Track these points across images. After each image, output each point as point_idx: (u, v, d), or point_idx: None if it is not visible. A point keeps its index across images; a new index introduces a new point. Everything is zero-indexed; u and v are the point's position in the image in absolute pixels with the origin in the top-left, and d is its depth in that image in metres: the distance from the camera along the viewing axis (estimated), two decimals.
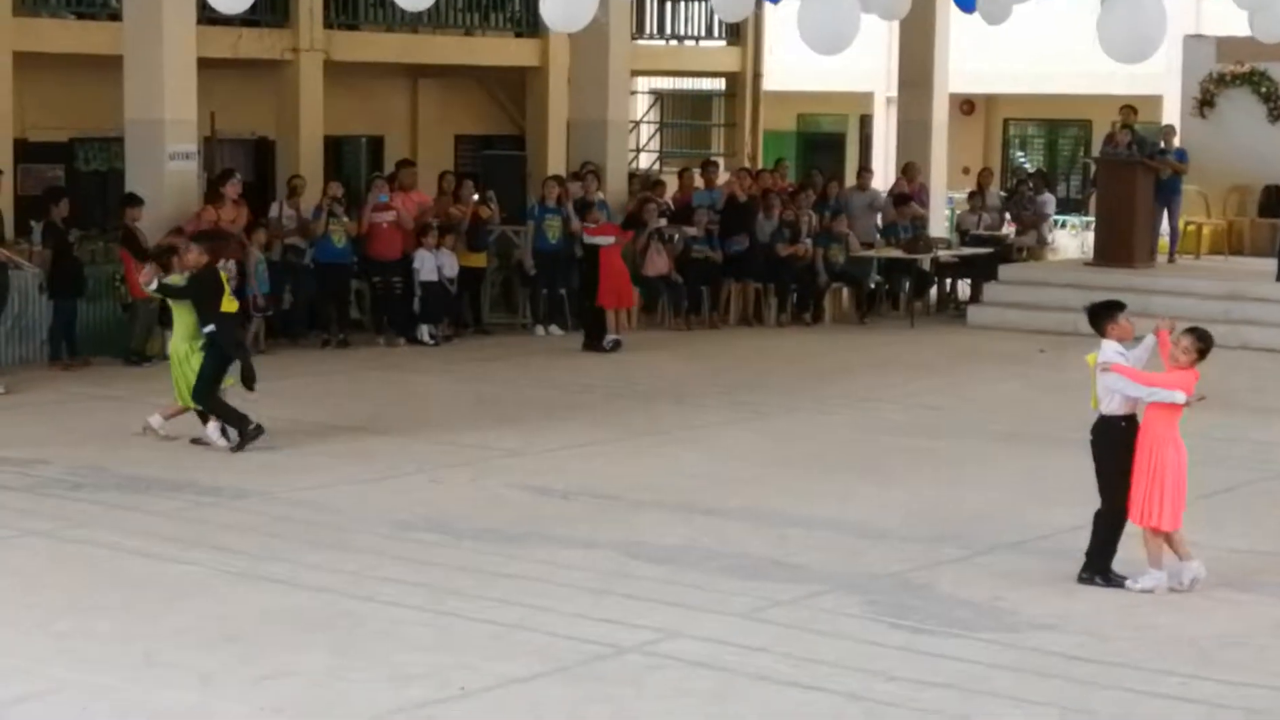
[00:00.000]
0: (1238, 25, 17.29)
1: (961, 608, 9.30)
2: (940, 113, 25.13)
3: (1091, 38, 12.67)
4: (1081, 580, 9.75)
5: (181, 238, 15.03)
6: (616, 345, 18.71)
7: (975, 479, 12.62)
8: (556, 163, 23.38)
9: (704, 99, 31.35)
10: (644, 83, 30.50)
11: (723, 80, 29.22)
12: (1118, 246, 21.57)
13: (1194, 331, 9.74)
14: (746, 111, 28.41)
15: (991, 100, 33.21)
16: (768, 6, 19.63)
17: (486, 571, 9.86)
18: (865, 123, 34.16)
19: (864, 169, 25.37)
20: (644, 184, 22.49)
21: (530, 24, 24.59)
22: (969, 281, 23.00)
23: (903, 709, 7.76)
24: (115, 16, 19.08)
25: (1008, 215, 24.29)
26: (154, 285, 13.44)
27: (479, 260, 19.93)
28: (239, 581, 9.61)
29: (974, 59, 28.26)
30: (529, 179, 21.77)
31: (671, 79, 31.14)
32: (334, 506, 11.40)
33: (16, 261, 16.26)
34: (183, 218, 17.61)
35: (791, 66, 29.69)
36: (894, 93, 27.98)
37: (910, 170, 23.85)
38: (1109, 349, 9.71)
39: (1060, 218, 27.28)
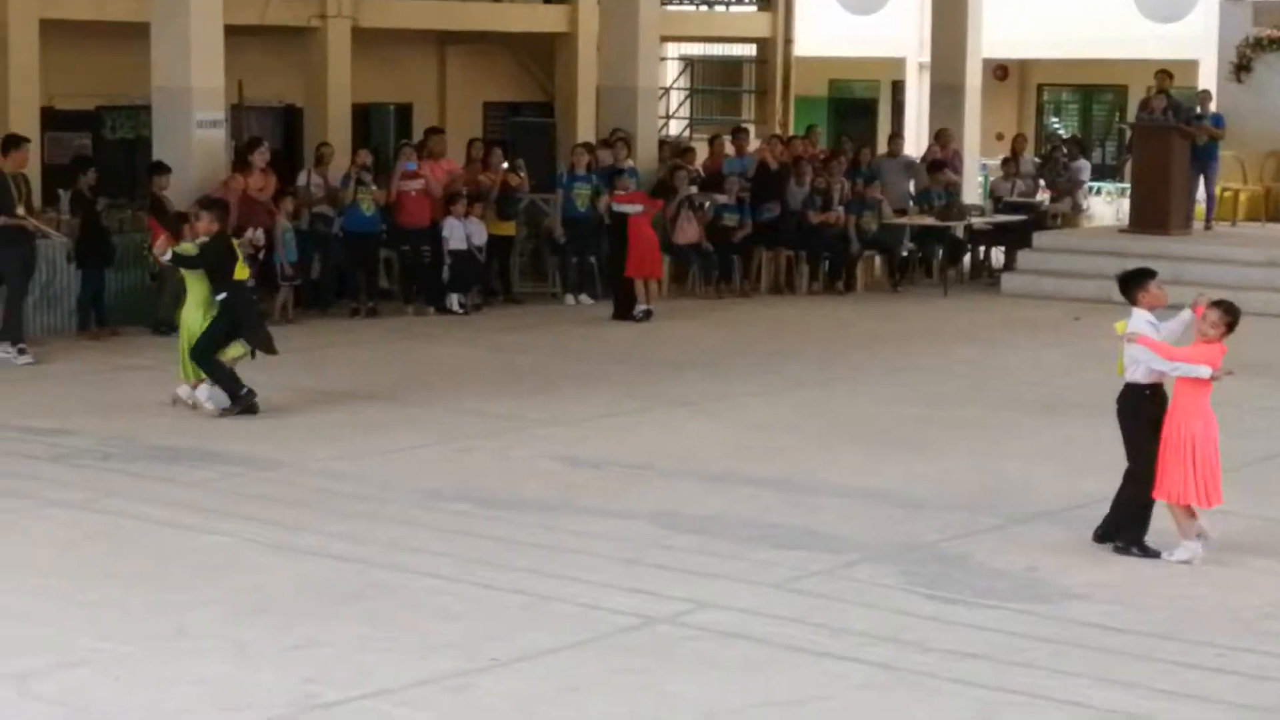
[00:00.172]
0: None
1: (996, 578, 9.25)
2: (974, 78, 24.94)
3: (1125, 1, 12.52)
4: (1117, 550, 9.71)
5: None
6: (648, 315, 18.64)
7: (1010, 448, 12.57)
8: (586, 130, 23.30)
9: (735, 65, 31.23)
10: (674, 48, 30.41)
11: (754, 46, 29.10)
12: (1153, 213, 21.42)
13: (1221, 305, 9.64)
14: (778, 77, 28.28)
15: (1025, 65, 32.96)
16: None
17: (517, 542, 9.83)
18: (898, 89, 33.96)
19: (896, 135, 25.24)
20: (674, 151, 22.37)
21: None
22: (1003, 249, 22.88)
23: (937, 679, 7.73)
24: None
25: (1042, 182, 24.16)
26: (168, 255, 13.41)
27: (508, 229, 19.85)
28: (270, 552, 9.60)
29: (1008, 23, 28.08)
30: (558, 146, 21.67)
31: (702, 44, 31.01)
32: (364, 477, 11.38)
33: (44, 230, 16.22)
34: (210, 186, 17.55)
35: (823, 31, 29.55)
36: (927, 58, 27.80)
37: (944, 136, 23.71)
38: (1139, 318, 9.65)
39: (1095, 184, 27.10)
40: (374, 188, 18.70)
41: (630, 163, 20.45)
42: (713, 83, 32.57)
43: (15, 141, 16.04)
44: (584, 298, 19.90)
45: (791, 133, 25.86)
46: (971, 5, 24.58)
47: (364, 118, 23.57)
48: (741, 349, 16.94)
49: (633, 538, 9.94)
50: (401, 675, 7.69)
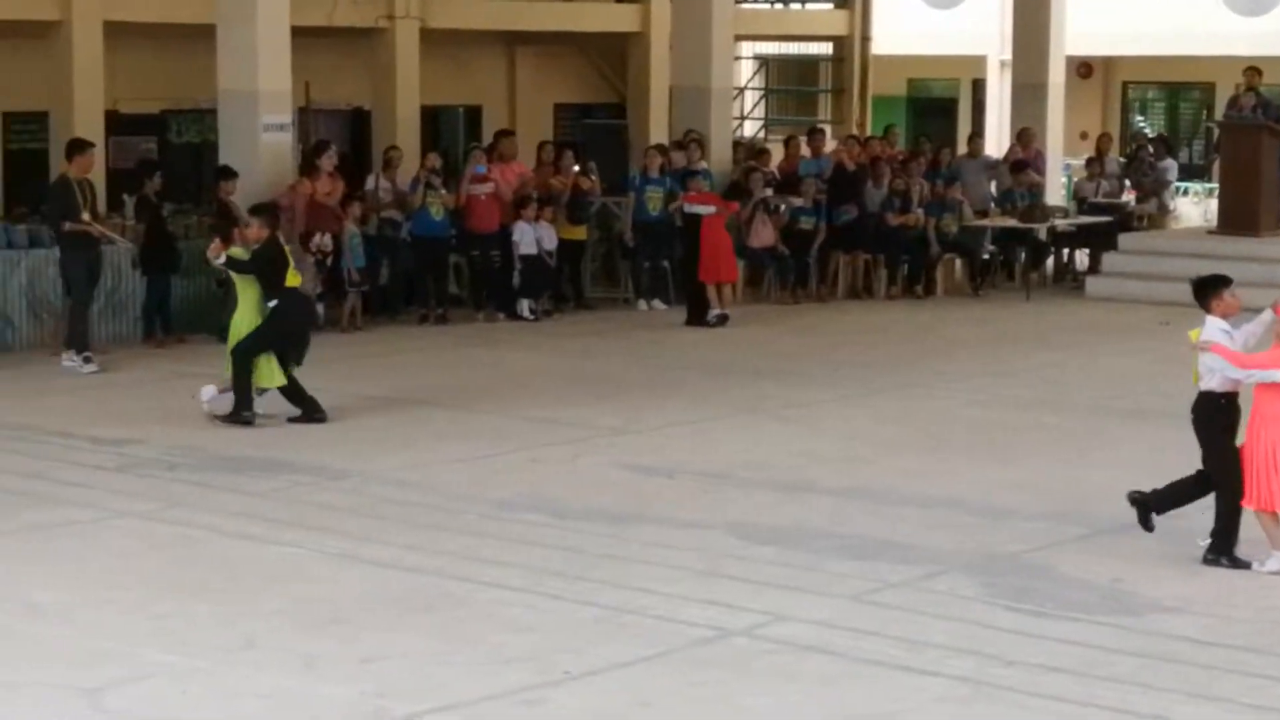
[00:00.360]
0: None
1: (1082, 590, 9.18)
2: (1056, 76, 24.72)
3: None
4: (1206, 561, 9.64)
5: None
6: (723, 320, 18.45)
7: (1097, 456, 12.43)
8: (658, 131, 23.17)
9: (810, 64, 31.07)
10: (748, 48, 30.24)
11: (830, 44, 28.91)
12: (1243, 214, 21.11)
13: None
14: (855, 76, 28.10)
15: (1110, 62, 32.65)
16: None
17: (589, 553, 9.78)
18: (978, 87, 33.71)
19: (975, 135, 25.04)
20: (749, 153, 22.23)
21: None
22: (1087, 251, 22.68)
23: (1019, 694, 7.65)
24: None
25: (1127, 182, 24.04)
26: (221, 259, 13.33)
27: (579, 233, 19.74)
28: (338, 563, 9.58)
29: (1091, 19, 27.80)
30: (630, 148, 21.53)
31: (777, 43, 30.84)
32: (433, 486, 11.33)
33: (109, 236, 16.21)
34: (277, 190, 17.51)
35: (902, 29, 29.29)
36: (1008, 55, 27.57)
37: (1026, 136, 23.50)
38: (1212, 326, 9.68)
39: (1182, 184, 26.87)
40: (443, 191, 18.58)
41: (704, 165, 20.29)
42: (788, 82, 32.40)
43: (80, 146, 16.05)
44: (657, 303, 19.76)
45: (869, 133, 25.70)
46: (1054, 1, 24.32)
47: (433, 120, 23.54)
48: (818, 355, 16.82)
49: (707, 548, 9.87)
50: (472, 688, 7.66)
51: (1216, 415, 9.63)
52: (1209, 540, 9.66)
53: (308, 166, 18.21)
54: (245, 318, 13.20)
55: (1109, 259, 21.58)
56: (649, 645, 8.21)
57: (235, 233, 13.38)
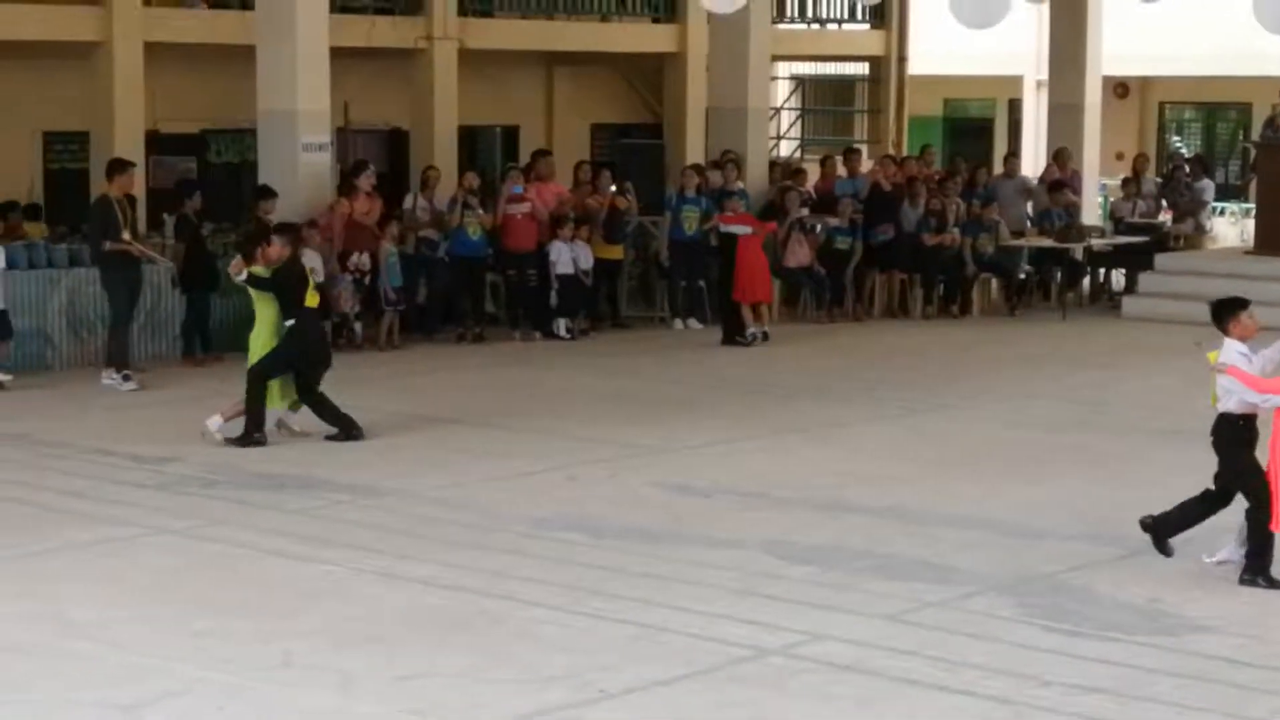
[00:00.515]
0: None
1: (1119, 610, 9.13)
2: (1093, 96, 24.65)
3: (1250, 16, 12.23)
4: (1243, 582, 9.58)
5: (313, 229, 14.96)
6: (762, 338, 18.44)
7: (1133, 476, 12.35)
8: (695, 151, 23.18)
9: (847, 84, 31.01)
10: (785, 68, 30.22)
11: (866, 64, 28.86)
12: None
13: None
14: (891, 96, 28.04)
15: (1146, 82, 32.56)
16: None
17: (627, 571, 9.76)
18: (1014, 107, 33.64)
19: (1011, 155, 24.97)
20: (785, 172, 22.22)
21: (668, 9, 24.39)
22: (1124, 272, 22.61)
23: (1057, 714, 7.61)
24: (247, 5, 19.15)
25: (1164, 202, 23.96)
26: (243, 276, 13.37)
27: (615, 252, 19.76)
28: (376, 581, 9.57)
29: (1128, 39, 27.67)
30: (667, 168, 21.54)
31: (813, 64, 30.82)
32: (471, 504, 11.33)
33: (149, 255, 16.28)
34: (316, 210, 17.58)
35: (938, 49, 29.24)
36: (1044, 75, 27.48)
37: (1062, 156, 23.41)
38: (1230, 349, 9.66)
39: (1219, 204, 26.73)
40: (480, 211, 18.62)
41: (740, 184, 20.31)
42: (824, 102, 32.36)
43: (120, 165, 16.12)
44: (693, 322, 19.76)
45: (905, 153, 25.61)
46: (1091, 21, 24.30)
47: (470, 140, 23.58)
48: (854, 374, 16.78)
49: (744, 567, 9.85)
50: (510, 707, 7.64)
51: (1236, 436, 9.63)
52: (1242, 561, 9.62)
53: (346, 186, 18.27)
54: (261, 337, 13.22)
55: (1145, 279, 21.50)
56: (686, 664, 8.19)
57: (258, 251, 13.42)
